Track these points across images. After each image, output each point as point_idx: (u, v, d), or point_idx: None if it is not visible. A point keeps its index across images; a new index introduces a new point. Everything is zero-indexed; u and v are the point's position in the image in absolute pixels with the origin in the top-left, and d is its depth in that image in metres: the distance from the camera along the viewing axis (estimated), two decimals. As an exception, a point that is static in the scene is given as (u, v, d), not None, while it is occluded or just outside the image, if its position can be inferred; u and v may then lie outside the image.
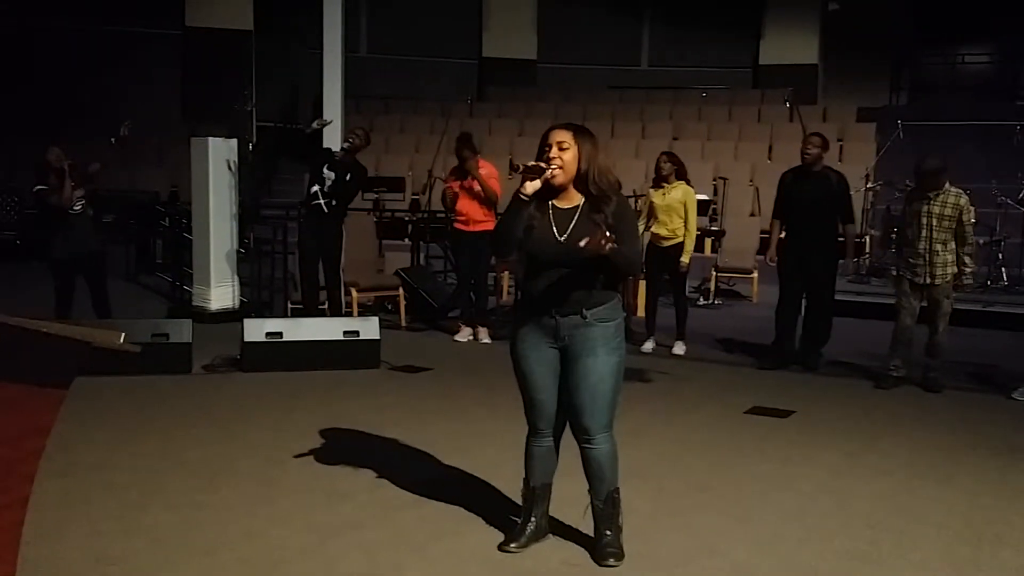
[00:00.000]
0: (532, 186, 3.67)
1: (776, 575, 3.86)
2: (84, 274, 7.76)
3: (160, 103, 17.00)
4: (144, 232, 12.55)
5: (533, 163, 3.69)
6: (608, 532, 3.92)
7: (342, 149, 8.39)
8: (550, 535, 4.11)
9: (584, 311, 3.74)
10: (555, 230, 3.76)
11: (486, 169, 8.46)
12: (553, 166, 3.70)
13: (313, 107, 16.23)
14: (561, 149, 3.73)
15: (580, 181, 3.77)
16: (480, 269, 8.65)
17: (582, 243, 3.58)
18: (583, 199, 3.79)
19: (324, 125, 8.71)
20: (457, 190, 8.45)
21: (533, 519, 4.05)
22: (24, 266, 12.36)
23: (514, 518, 4.15)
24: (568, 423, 3.93)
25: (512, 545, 3.99)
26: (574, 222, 3.75)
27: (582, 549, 4.01)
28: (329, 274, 8.48)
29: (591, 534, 4.01)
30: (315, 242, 8.35)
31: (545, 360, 3.83)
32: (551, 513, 4.15)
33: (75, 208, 7.61)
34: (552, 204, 3.80)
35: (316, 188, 8.26)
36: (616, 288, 3.87)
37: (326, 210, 8.25)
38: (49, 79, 16.12)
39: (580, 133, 3.78)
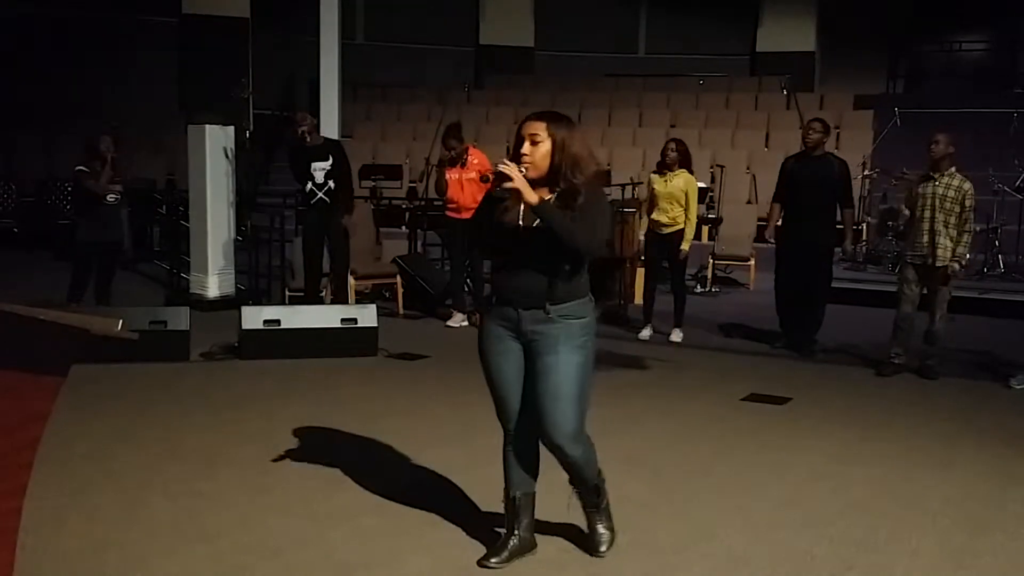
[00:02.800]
0: (511, 185, 3.45)
1: (772, 561, 3.87)
2: (101, 262, 7.89)
3: (157, 91, 16.96)
4: (141, 220, 12.53)
5: (499, 170, 3.46)
6: (596, 519, 3.90)
7: (303, 139, 8.41)
8: (533, 552, 3.84)
9: (547, 305, 3.53)
10: (522, 222, 3.54)
11: (478, 158, 8.47)
12: (524, 164, 3.48)
13: (310, 95, 16.19)
14: (533, 143, 3.50)
15: (553, 173, 3.52)
16: (475, 256, 8.67)
17: (499, 166, 3.43)
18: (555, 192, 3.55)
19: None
20: (448, 177, 8.45)
21: (516, 532, 3.79)
22: (22, 254, 12.35)
23: (498, 530, 4.00)
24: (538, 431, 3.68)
25: (492, 560, 3.73)
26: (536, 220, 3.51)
27: (575, 537, 4.00)
28: (338, 264, 8.56)
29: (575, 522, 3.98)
30: (319, 234, 8.45)
31: (509, 354, 3.65)
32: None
33: (109, 199, 7.80)
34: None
35: (310, 185, 8.37)
36: (588, 283, 3.65)
37: (328, 200, 8.35)
38: (47, 67, 16.06)
39: (555, 122, 3.53)
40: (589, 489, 3.83)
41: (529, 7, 19.91)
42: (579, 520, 3.98)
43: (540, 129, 3.52)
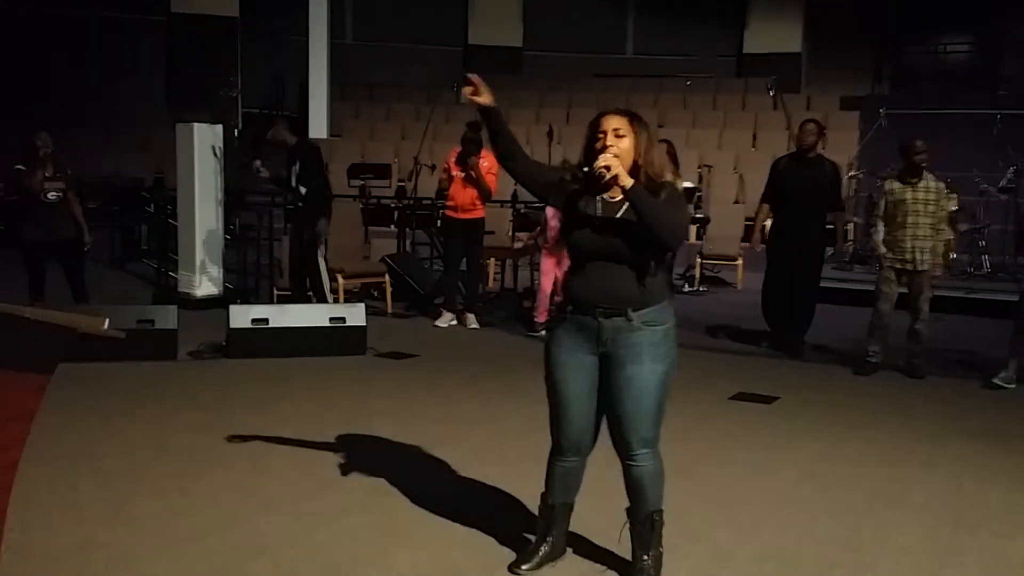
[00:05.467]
0: (607, 163, 3.32)
1: (758, 560, 3.89)
2: (59, 261, 7.80)
3: (145, 89, 16.91)
4: (129, 218, 12.50)
5: (600, 165, 3.33)
6: (645, 558, 3.57)
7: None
8: (568, 551, 3.79)
9: (630, 312, 3.41)
10: (600, 223, 3.44)
11: (488, 161, 8.45)
12: (610, 157, 3.35)
13: (299, 93, 16.18)
14: (617, 136, 3.40)
15: (633, 173, 3.40)
16: (471, 256, 8.66)
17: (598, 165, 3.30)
18: None
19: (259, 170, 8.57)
20: (455, 174, 8.43)
21: (549, 539, 3.70)
22: (7, 252, 12.28)
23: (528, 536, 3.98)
24: (610, 437, 3.56)
25: (524, 567, 3.65)
26: (620, 214, 3.44)
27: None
28: (307, 263, 8.37)
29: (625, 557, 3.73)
30: (299, 234, 8.37)
31: (582, 368, 3.50)
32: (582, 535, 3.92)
33: (49, 196, 7.65)
34: (601, 197, 3.48)
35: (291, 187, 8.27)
36: (667, 285, 3.56)
37: (301, 203, 8.26)
38: (34, 64, 15.99)
39: (636, 121, 3.45)
40: (644, 518, 3.57)
41: (517, 7, 19.92)
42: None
43: (623, 124, 3.43)
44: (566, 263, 3.72)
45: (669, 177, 3.48)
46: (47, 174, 7.64)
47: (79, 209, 7.96)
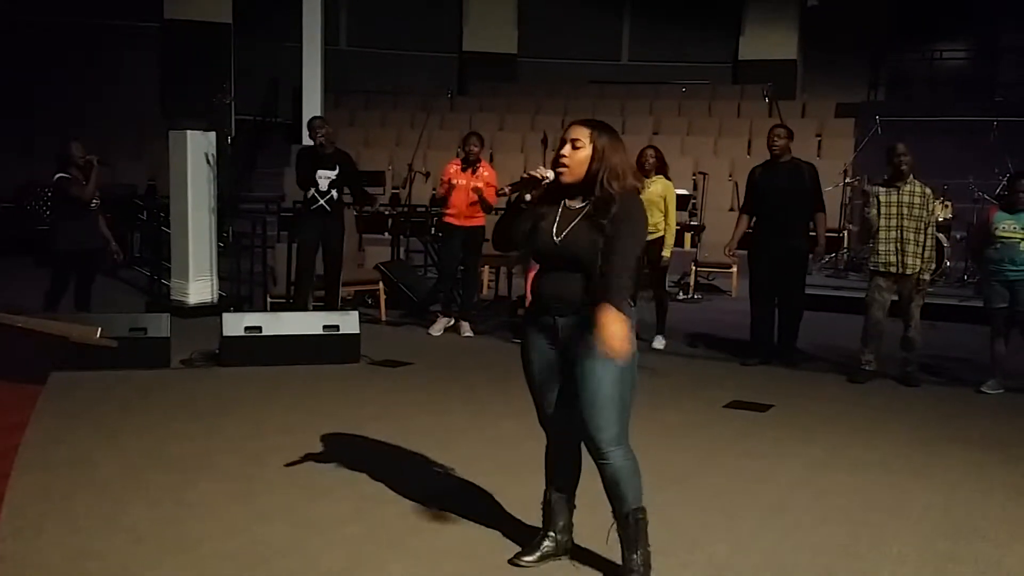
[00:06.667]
0: (533, 194, 3.58)
1: (755, 569, 3.87)
2: (81, 269, 7.80)
3: (138, 96, 16.89)
4: (122, 225, 12.46)
5: (528, 175, 3.54)
6: (634, 557, 3.59)
7: (319, 146, 8.32)
8: (567, 556, 3.85)
9: (581, 310, 3.51)
10: (555, 229, 3.55)
11: (488, 171, 8.46)
12: (561, 167, 3.52)
13: (292, 101, 16.17)
14: (574, 147, 3.52)
15: (590, 180, 3.53)
16: (469, 263, 8.65)
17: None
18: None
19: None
20: (456, 183, 8.40)
21: (551, 534, 3.82)
22: (1, 260, 12.25)
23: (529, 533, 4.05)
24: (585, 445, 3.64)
25: (525, 559, 3.77)
26: (574, 223, 3.53)
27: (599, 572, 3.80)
28: (334, 269, 8.49)
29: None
30: (316, 240, 8.38)
31: (544, 359, 3.66)
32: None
33: (92, 204, 7.76)
34: (564, 202, 3.59)
35: (312, 192, 8.27)
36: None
37: (329, 208, 8.30)
38: (27, 71, 15.97)
39: (598, 130, 3.55)
40: (625, 519, 3.58)
41: (512, 14, 19.93)
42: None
43: (582, 135, 3.53)
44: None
45: (634, 183, 3.58)
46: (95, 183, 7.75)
47: (103, 220, 8.09)
